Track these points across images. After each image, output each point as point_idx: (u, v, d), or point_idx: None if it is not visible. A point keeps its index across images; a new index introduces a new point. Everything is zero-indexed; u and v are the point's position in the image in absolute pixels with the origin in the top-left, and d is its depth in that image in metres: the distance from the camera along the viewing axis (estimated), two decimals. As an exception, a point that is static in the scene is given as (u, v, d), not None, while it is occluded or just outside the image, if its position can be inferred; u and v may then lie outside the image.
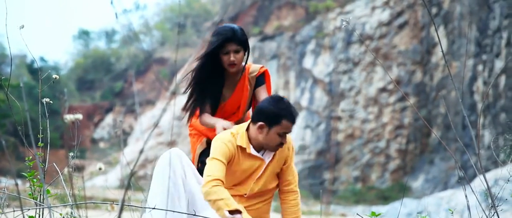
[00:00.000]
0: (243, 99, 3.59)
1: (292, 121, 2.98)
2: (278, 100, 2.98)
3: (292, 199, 3.25)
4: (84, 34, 56.00)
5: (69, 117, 1.85)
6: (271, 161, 3.12)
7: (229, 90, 3.58)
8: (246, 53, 3.52)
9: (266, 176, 3.14)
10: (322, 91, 27.48)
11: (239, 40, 3.42)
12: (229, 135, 3.07)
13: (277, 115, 2.94)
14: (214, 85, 3.53)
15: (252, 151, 3.06)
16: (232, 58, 3.42)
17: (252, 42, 27.86)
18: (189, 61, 32.78)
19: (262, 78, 3.64)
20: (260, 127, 2.98)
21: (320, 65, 27.87)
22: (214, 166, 2.93)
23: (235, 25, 3.48)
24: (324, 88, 27.46)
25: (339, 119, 26.75)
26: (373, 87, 26.73)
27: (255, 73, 3.61)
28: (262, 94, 3.60)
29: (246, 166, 3.08)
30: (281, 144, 3.02)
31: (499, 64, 20.51)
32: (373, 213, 3.04)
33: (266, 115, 2.97)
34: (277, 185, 3.28)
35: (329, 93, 27.23)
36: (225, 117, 3.57)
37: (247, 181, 3.13)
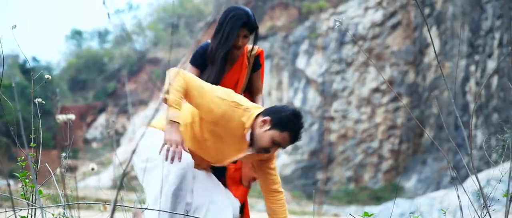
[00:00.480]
0: (241, 76, 3.61)
1: (291, 139, 2.96)
2: (297, 116, 2.97)
3: (280, 199, 3.28)
4: (76, 34, 55.87)
5: (61, 117, 1.84)
6: (251, 154, 3.08)
7: (228, 65, 3.59)
8: (253, 36, 3.55)
9: (237, 160, 3.19)
10: (315, 91, 27.51)
11: (252, 27, 3.45)
12: (244, 108, 2.98)
13: (286, 124, 2.92)
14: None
15: (247, 135, 2.99)
16: (240, 42, 3.45)
17: (245, 42, 27.79)
18: (182, 61, 32.71)
19: (259, 61, 3.68)
20: (265, 121, 2.94)
21: (313, 65, 27.91)
22: (204, 85, 2.96)
23: (249, 10, 3.48)
24: (317, 88, 27.49)
25: (332, 119, 26.79)
26: (366, 87, 26.79)
27: (254, 52, 3.64)
28: (257, 81, 3.70)
29: (231, 143, 3.04)
30: (266, 150, 2.97)
31: (491, 64, 20.60)
32: (365, 213, 3.03)
33: (279, 117, 2.93)
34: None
35: (322, 94, 27.26)
36: None
37: (221, 156, 3.12)
